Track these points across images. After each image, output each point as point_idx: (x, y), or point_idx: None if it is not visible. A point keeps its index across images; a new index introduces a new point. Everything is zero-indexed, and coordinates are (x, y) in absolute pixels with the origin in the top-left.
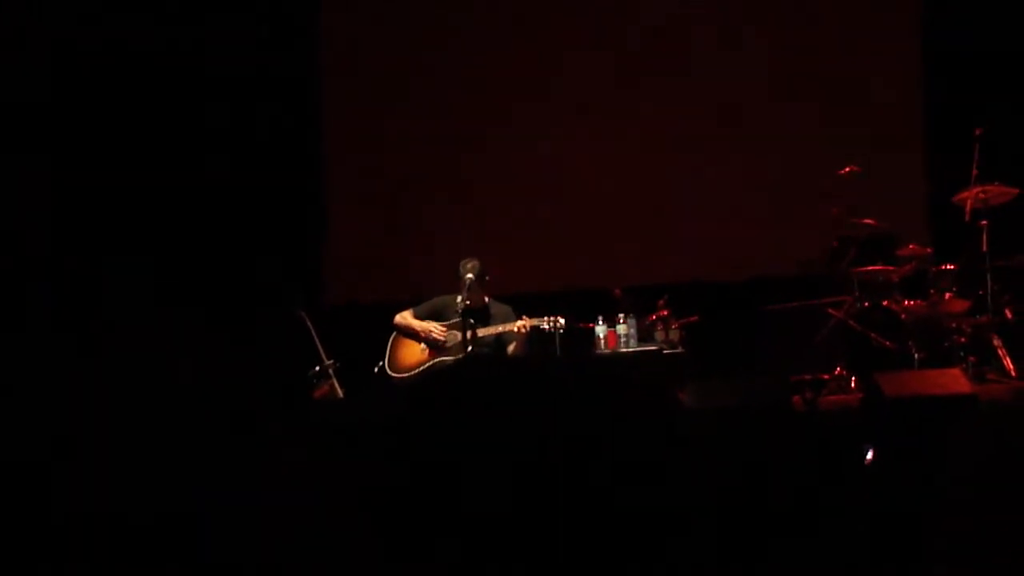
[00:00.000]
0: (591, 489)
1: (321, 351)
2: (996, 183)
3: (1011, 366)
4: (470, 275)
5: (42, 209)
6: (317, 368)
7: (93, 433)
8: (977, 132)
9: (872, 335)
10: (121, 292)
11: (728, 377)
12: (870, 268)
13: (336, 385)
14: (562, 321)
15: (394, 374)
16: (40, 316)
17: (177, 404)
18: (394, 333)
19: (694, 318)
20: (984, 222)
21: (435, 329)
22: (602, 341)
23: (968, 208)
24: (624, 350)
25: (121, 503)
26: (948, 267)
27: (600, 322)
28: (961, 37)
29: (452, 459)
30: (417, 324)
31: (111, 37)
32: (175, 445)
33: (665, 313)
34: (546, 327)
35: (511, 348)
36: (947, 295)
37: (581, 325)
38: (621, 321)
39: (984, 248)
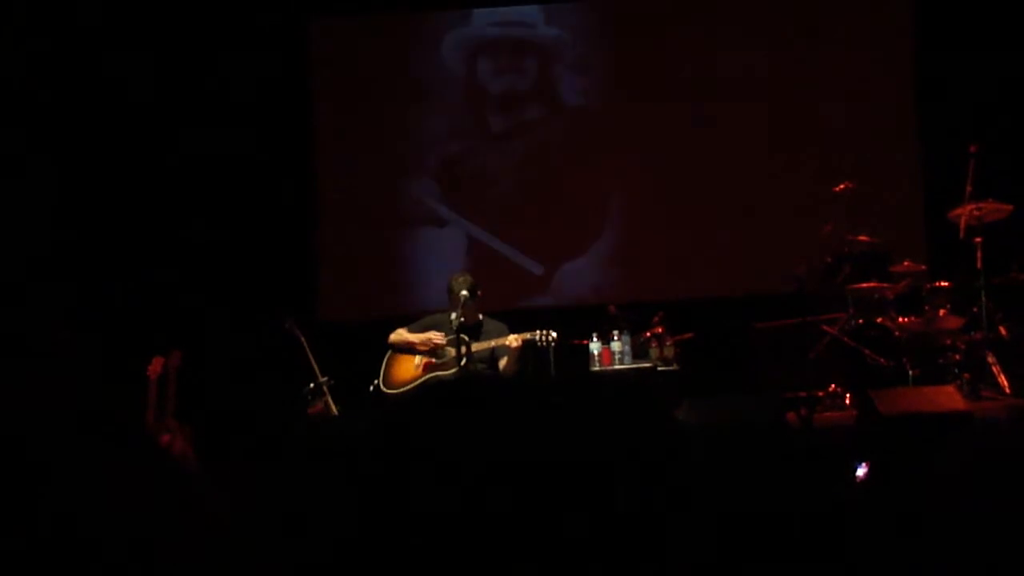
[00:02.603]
0: (590, 507)
1: (315, 368)
2: (990, 200)
3: (1005, 383)
4: (464, 291)
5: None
6: (312, 385)
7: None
8: (972, 149)
9: (867, 352)
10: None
11: (723, 394)
12: (864, 285)
13: (330, 402)
14: (554, 335)
15: (388, 391)
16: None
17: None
18: (389, 352)
19: (689, 335)
20: (978, 239)
21: (435, 336)
22: (597, 358)
23: (963, 225)
24: (619, 367)
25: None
26: (942, 284)
27: (595, 339)
28: (955, 55)
29: (449, 479)
30: (415, 336)
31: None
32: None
33: (660, 330)
34: (538, 341)
35: (503, 363)
36: (941, 312)
37: (576, 342)
38: (616, 338)
39: (979, 265)
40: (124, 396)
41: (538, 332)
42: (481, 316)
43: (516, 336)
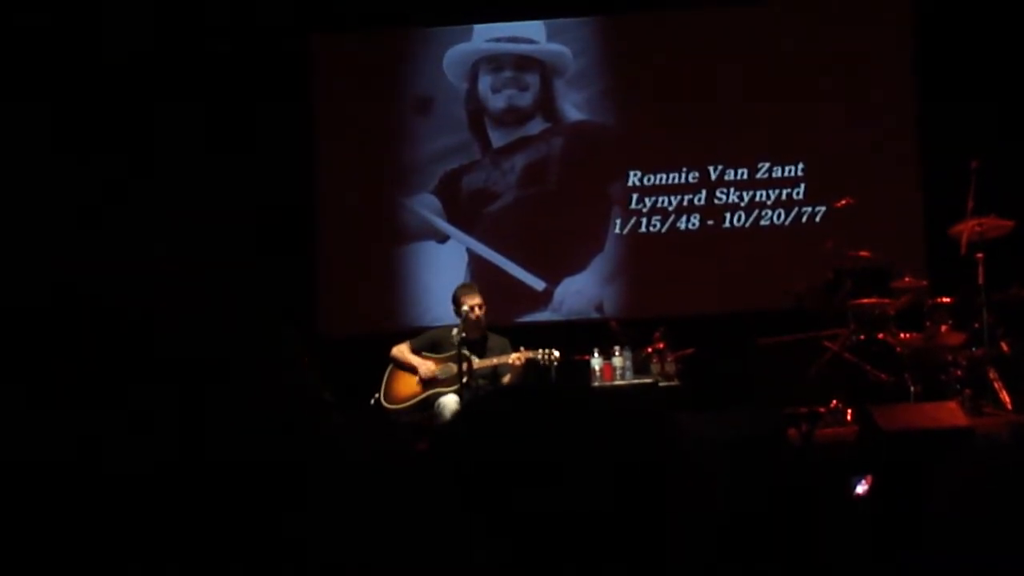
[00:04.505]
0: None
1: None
2: (992, 216)
3: (1007, 399)
4: (466, 307)
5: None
6: None
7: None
8: (973, 165)
9: (868, 368)
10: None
11: (723, 410)
12: (866, 301)
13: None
14: (556, 354)
15: (389, 405)
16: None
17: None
18: (390, 366)
19: (690, 351)
20: (980, 255)
21: (422, 367)
22: (598, 373)
23: (964, 241)
24: (620, 383)
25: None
26: (944, 300)
27: (596, 354)
28: (956, 70)
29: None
30: (412, 359)
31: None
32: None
33: (661, 346)
34: (541, 360)
35: (505, 380)
36: (943, 328)
37: (577, 358)
38: (617, 354)
39: (980, 281)
40: None
41: (540, 351)
42: (485, 331)
43: (519, 354)
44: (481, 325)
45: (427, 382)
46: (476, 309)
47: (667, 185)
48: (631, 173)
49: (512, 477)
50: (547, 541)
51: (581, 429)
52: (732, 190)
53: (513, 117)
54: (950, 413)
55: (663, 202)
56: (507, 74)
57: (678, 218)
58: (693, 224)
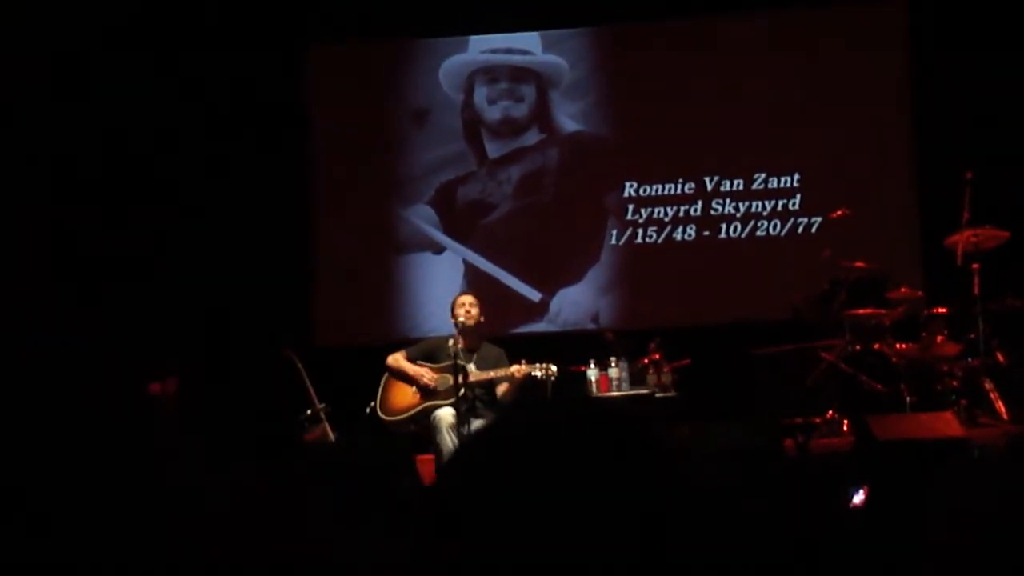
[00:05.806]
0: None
1: (312, 394)
2: (987, 226)
3: (1003, 409)
4: (462, 319)
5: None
6: (308, 412)
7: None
8: (968, 175)
9: (863, 378)
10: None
11: (720, 421)
12: (862, 311)
13: (328, 429)
14: (554, 369)
15: (385, 416)
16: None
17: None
18: (386, 375)
19: (686, 361)
20: (976, 265)
21: (426, 374)
22: (594, 385)
23: (960, 251)
24: (616, 394)
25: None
26: (939, 310)
27: (592, 366)
28: (952, 80)
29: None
30: (409, 368)
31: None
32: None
33: (657, 356)
34: (538, 374)
35: (501, 388)
36: (939, 338)
37: (573, 369)
38: (613, 365)
39: (976, 291)
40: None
41: (538, 366)
42: (481, 342)
43: (518, 367)
44: (476, 329)
45: (424, 393)
46: (467, 305)
47: (663, 196)
48: (627, 184)
49: (519, 497)
50: (550, 557)
51: (583, 447)
52: (728, 201)
53: (509, 128)
54: (946, 423)
55: (659, 213)
56: (503, 85)
57: (674, 229)
58: (689, 235)
